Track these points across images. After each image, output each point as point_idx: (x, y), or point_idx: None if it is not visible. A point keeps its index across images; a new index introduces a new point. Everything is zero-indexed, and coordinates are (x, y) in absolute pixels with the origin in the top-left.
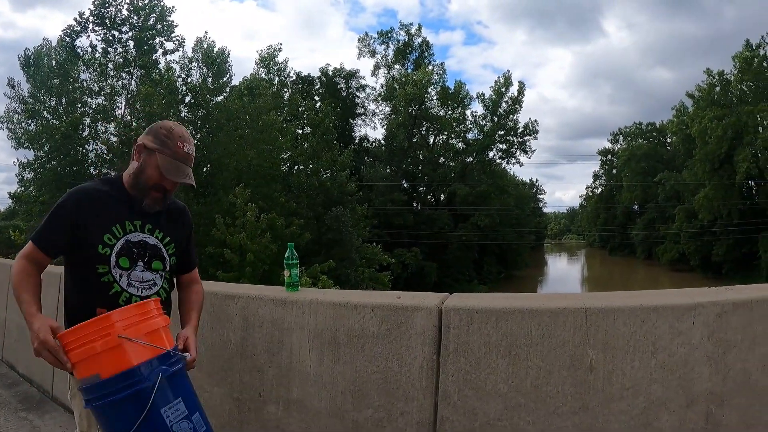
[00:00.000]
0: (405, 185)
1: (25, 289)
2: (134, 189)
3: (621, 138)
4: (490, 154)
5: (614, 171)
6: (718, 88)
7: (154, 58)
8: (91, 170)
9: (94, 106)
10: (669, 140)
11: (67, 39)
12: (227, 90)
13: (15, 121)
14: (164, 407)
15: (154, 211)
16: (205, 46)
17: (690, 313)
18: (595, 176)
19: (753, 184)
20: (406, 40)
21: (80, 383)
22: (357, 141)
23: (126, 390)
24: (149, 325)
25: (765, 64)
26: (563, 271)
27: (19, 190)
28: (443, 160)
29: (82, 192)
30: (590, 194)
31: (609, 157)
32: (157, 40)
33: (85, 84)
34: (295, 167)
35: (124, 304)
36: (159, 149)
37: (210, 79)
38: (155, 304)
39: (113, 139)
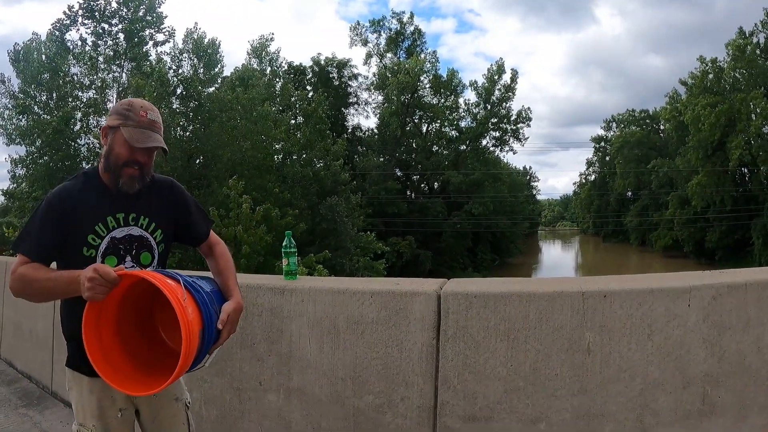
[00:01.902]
0: (398, 174)
1: (38, 275)
2: (108, 171)
3: (614, 125)
4: (484, 142)
5: (608, 158)
6: (711, 76)
7: (144, 50)
8: (84, 164)
9: (85, 99)
10: (662, 127)
11: (57, 33)
12: (219, 81)
13: (5, 117)
14: None
15: (133, 190)
16: (195, 37)
17: (685, 296)
18: (589, 163)
19: (746, 171)
20: (398, 28)
21: None
22: (350, 130)
23: None
24: None
25: (758, 51)
26: (557, 258)
27: (11, 186)
28: (436, 148)
29: (64, 192)
30: (584, 181)
31: (602, 144)
32: (147, 31)
33: (75, 78)
34: (288, 158)
35: None
36: (122, 123)
37: (201, 71)
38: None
39: None
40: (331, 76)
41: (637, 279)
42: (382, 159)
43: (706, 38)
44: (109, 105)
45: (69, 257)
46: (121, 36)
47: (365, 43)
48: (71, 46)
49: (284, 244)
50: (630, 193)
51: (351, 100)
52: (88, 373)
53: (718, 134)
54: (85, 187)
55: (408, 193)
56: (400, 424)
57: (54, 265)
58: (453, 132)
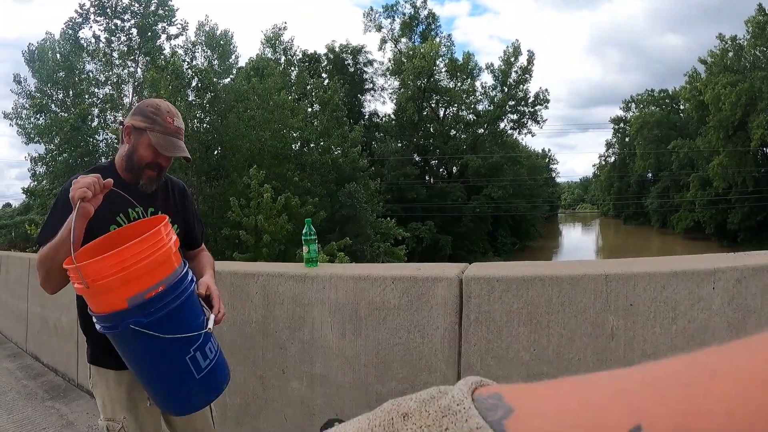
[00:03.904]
0: (417, 159)
1: (49, 245)
2: (128, 171)
3: (633, 106)
4: (501, 125)
5: (627, 139)
6: (730, 54)
7: (158, 44)
8: (102, 160)
9: (101, 96)
10: (682, 107)
11: (70, 31)
12: (234, 72)
13: (24, 116)
14: None
15: (150, 190)
16: (207, 29)
17: (710, 278)
18: (608, 145)
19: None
20: (412, 12)
21: None
22: (367, 116)
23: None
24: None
25: None
26: (578, 241)
27: (32, 184)
28: (454, 132)
29: None
30: (603, 163)
31: (621, 125)
32: (160, 25)
33: (91, 75)
34: (306, 146)
35: None
36: (149, 127)
37: (216, 62)
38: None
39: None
40: (346, 63)
41: (660, 261)
42: (399, 144)
43: (725, 15)
44: (126, 100)
45: None
46: (134, 31)
47: (379, 28)
48: (85, 44)
49: (304, 231)
50: (650, 175)
51: (367, 87)
52: (113, 367)
53: (739, 113)
54: None
55: (426, 178)
56: None
57: None
58: (470, 116)
